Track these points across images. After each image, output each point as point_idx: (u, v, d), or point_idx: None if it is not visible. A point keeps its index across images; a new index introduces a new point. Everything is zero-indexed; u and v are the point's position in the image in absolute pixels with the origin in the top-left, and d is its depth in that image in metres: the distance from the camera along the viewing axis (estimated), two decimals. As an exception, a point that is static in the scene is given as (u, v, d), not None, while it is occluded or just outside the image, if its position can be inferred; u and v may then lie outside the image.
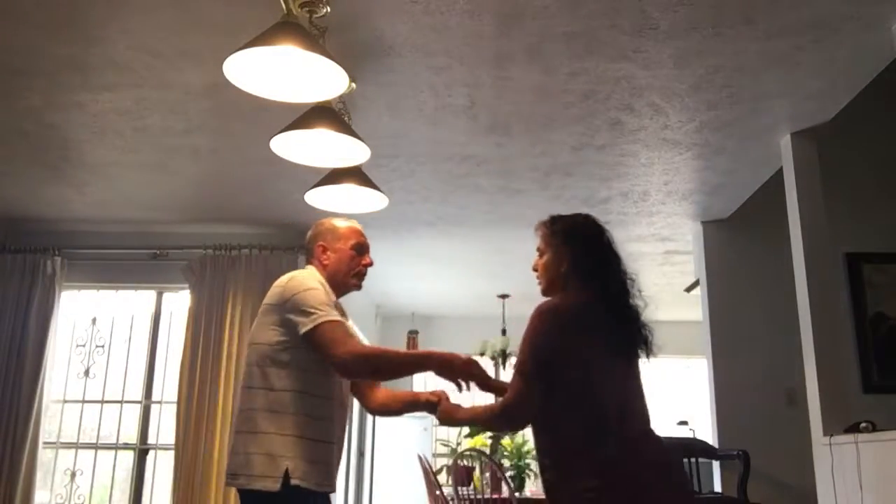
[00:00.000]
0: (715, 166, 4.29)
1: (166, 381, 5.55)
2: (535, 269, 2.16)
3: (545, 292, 2.13)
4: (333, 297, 2.28)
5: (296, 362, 2.14)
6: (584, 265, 2.06)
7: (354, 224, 2.40)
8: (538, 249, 2.15)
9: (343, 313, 2.31)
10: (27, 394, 5.13)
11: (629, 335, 2.07)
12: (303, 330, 2.10)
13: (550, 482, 2.01)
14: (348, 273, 2.33)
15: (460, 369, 2.17)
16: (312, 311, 2.10)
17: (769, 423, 4.67)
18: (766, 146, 3.99)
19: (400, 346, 8.77)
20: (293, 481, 2.03)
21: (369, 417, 7.94)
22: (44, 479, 5.39)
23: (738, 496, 4.25)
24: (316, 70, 2.39)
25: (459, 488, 5.09)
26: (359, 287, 2.38)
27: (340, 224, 2.38)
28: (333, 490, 2.18)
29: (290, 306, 2.14)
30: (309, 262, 2.37)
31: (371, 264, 2.41)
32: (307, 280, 2.20)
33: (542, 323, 1.96)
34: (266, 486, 2.03)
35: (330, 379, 2.18)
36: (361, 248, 2.37)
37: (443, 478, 6.88)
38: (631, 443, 1.94)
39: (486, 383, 2.27)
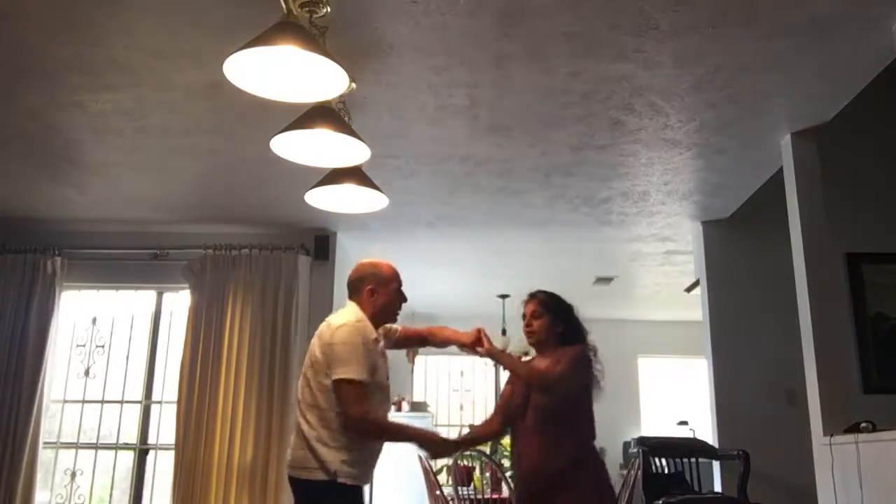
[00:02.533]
0: (715, 166, 4.29)
1: (166, 381, 5.56)
2: (530, 326, 2.92)
3: (539, 344, 2.93)
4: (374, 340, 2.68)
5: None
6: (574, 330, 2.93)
7: (392, 265, 2.84)
8: (533, 314, 2.92)
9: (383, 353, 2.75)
10: (27, 394, 5.13)
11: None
12: (333, 377, 2.55)
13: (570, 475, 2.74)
14: (394, 311, 2.80)
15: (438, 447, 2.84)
16: (344, 363, 2.56)
17: (769, 423, 4.67)
18: (767, 146, 3.99)
19: (400, 346, 8.75)
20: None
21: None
22: (44, 479, 5.39)
23: (738, 496, 4.25)
24: (316, 70, 2.39)
25: (459, 488, 5.09)
26: (396, 320, 2.87)
27: (383, 266, 2.81)
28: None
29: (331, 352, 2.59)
30: (352, 298, 2.76)
31: (406, 300, 2.87)
32: (351, 334, 2.59)
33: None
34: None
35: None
36: (400, 288, 2.82)
37: (443, 478, 6.87)
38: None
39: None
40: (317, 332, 2.70)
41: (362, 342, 2.58)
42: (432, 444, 2.80)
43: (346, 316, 2.67)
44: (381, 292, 2.74)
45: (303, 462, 2.57)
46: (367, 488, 8.38)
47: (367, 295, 2.72)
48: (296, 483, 2.62)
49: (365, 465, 2.63)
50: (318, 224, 5.45)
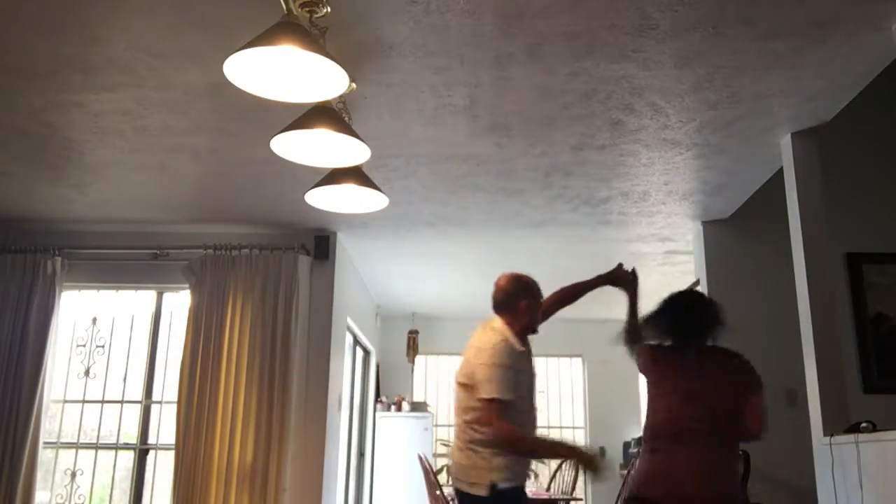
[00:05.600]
0: (715, 166, 4.29)
1: (166, 381, 5.56)
2: None
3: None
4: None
5: None
6: None
7: (535, 279, 2.99)
8: None
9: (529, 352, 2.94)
10: (27, 394, 5.13)
11: None
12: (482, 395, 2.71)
13: None
14: (538, 321, 2.95)
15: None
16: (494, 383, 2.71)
17: (769, 423, 4.65)
18: (767, 146, 3.99)
19: (401, 345, 8.78)
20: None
21: (369, 419, 7.95)
22: (44, 479, 5.39)
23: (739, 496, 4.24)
24: (316, 70, 2.39)
25: (459, 488, 5.07)
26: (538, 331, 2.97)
27: (531, 280, 2.97)
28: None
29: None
30: (503, 310, 2.90)
31: None
32: (502, 355, 2.75)
33: None
34: None
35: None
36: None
37: (443, 478, 6.87)
38: None
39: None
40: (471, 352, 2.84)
41: (509, 364, 2.74)
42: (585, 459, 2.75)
43: (493, 336, 2.82)
44: (534, 306, 2.91)
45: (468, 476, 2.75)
46: (367, 487, 8.37)
47: (524, 308, 2.88)
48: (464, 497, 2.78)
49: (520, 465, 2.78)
50: (318, 224, 5.45)
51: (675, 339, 2.97)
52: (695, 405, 2.78)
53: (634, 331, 3.15)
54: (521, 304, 2.88)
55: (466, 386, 2.79)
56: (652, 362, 2.98)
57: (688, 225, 5.32)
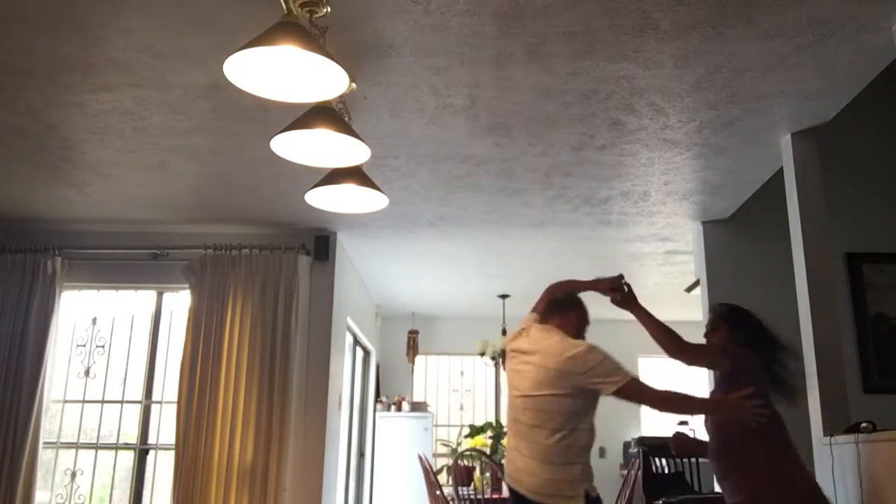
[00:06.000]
0: (715, 166, 4.29)
1: (166, 381, 5.56)
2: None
3: None
4: None
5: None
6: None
7: None
8: None
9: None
10: (27, 394, 5.13)
11: None
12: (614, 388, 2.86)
13: None
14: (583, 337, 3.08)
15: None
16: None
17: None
18: (767, 146, 3.99)
19: (401, 345, 8.78)
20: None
21: (369, 419, 7.95)
22: (44, 479, 5.39)
23: (739, 496, 4.24)
24: (316, 70, 2.39)
25: (459, 488, 5.09)
26: None
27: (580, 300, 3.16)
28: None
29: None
30: (553, 317, 3.07)
31: None
32: (596, 349, 2.90)
33: None
34: None
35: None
36: None
37: (443, 478, 6.87)
38: None
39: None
40: (541, 358, 2.91)
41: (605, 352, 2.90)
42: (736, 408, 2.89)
43: (570, 339, 2.95)
44: (581, 323, 3.11)
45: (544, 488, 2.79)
46: (367, 487, 8.35)
47: (573, 318, 3.10)
48: None
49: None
50: (318, 224, 5.45)
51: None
52: None
53: (670, 337, 3.32)
54: (571, 314, 3.08)
55: (553, 396, 2.85)
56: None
57: (688, 225, 5.32)
